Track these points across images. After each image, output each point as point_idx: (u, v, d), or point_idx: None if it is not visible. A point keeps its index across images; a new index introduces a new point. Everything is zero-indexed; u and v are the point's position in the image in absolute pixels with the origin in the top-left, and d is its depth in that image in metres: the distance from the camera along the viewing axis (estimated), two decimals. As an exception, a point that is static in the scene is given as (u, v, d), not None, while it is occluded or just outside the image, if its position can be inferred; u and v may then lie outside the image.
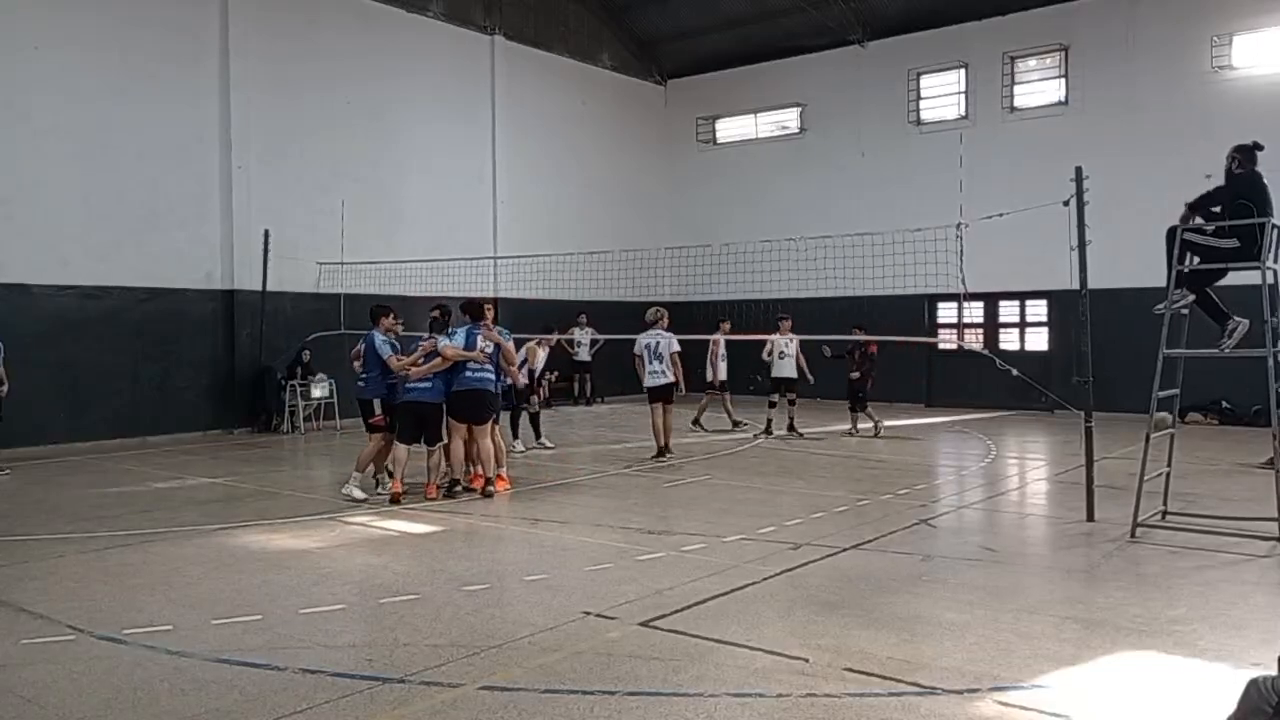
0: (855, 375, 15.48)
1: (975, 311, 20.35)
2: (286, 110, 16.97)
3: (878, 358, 15.70)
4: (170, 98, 15.53)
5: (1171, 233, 8.15)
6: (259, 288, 16.15)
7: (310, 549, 7.93)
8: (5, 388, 12.07)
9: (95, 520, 9.14)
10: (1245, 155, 7.97)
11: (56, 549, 7.93)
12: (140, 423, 14.94)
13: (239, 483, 11.16)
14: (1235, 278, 8.21)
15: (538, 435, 14.31)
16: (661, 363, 12.98)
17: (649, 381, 13.09)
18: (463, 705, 4.63)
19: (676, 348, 13.11)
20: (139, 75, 15.13)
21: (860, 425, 15.73)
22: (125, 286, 14.95)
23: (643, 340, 13.18)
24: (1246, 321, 8.04)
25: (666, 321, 13.29)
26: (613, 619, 5.90)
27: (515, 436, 13.91)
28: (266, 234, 16.14)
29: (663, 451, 12.99)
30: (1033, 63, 20.06)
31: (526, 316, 19.79)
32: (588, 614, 6.01)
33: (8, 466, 12.14)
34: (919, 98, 21.33)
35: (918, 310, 19.86)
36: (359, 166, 18.16)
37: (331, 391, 16.68)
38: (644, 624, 5.78)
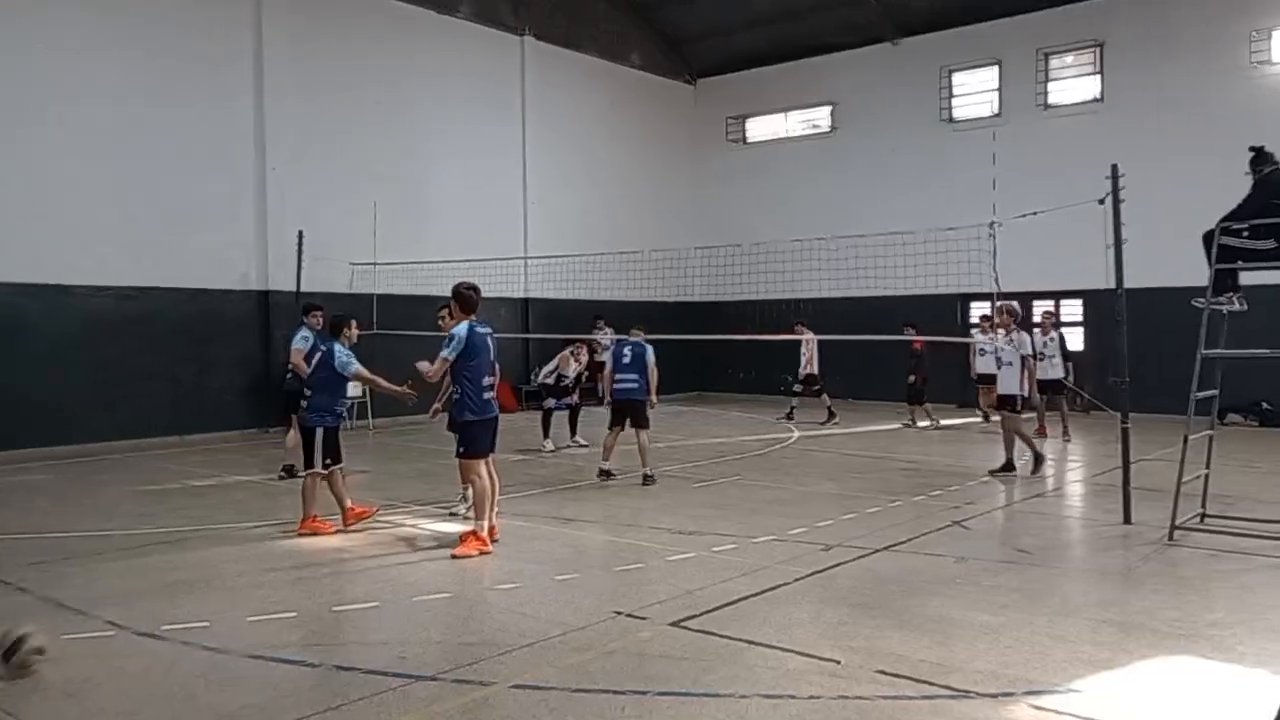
0: (912, 379, 16.48)
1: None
2: (319, 112, 17.13)
3: (925, 356, 16.52)
4: (206, 100, 15.73)
5: (1208, 237, 8.07)
6: (293, 288, 16.32)
7: (343, 547, 8.01)
8: None
9: (134, 518, 9.28)
10: (1264, 159, 7.97)
11: (96, 546, 8.07)
12: (178, 422, 15.14)
13: (274, 481, 11.28)
14: (1268, 276, 8.14)
15: (573, 434, 14.36)
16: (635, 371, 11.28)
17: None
18: (495, 704, 4.66)
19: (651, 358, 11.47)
20: (175, 79, 15.34)
21: (920, 422, 16.62)
22: (162, 287, 15.16)
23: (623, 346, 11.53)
24: (1245, 307, 8.09)
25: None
26: (644, 619, 5.91)
27: (545, 436, 13.96)
28: (300, 235, 16.30)
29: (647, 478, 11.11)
30: (1068, 59, 19.84)
31: (556, 316, 19.95)
32: (619, 614, 6.02)
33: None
34: (951, 95, 21.17)
35: (950, 310, 19.70)
36: (391, 167, 18.29)
37: (365, 391, 16.79)
38: (675, 624, 5.78)
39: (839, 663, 5.10)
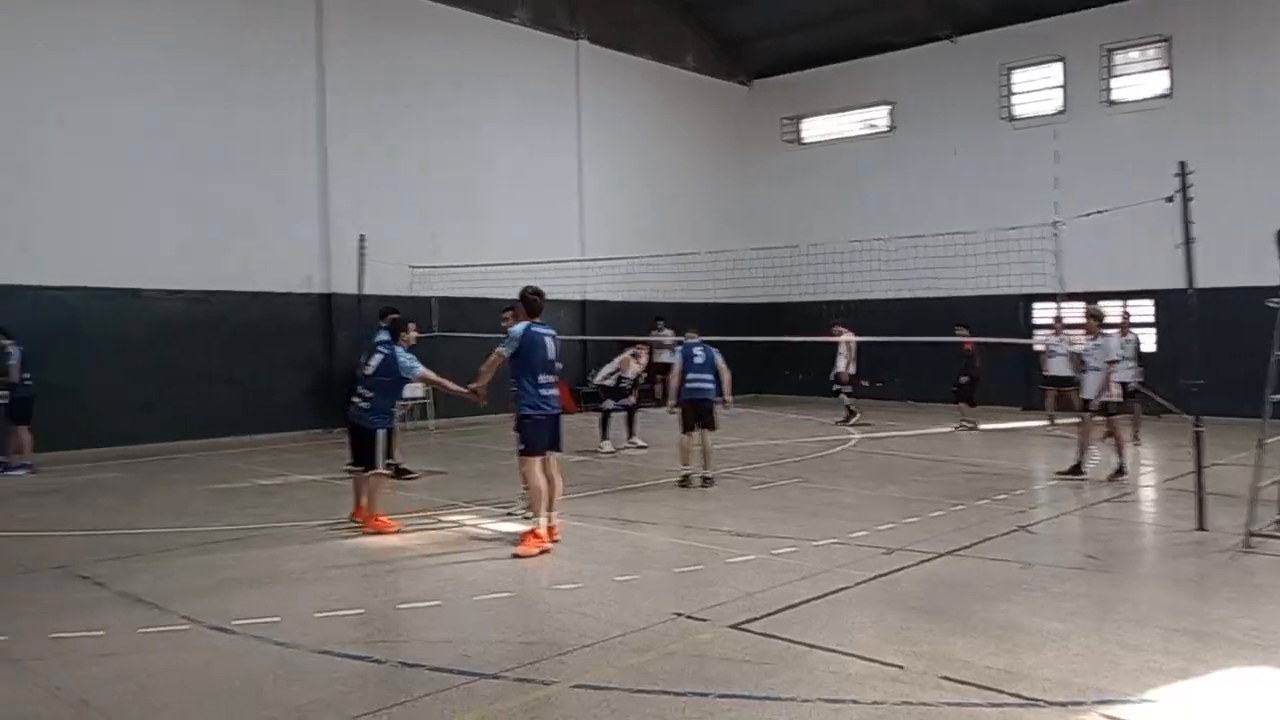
0: (964, 380, 16.48)
1: (1075, 313, 19.71)
2: (378, 117, 17.41)
3: (975, 356, 16.46)
4: (271, 110, 16.10)
5: None
6: (354, 291, 16.60)
7: (406, 546, 8.12)
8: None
9: (203, 515, 9.51)
10: None
11: (168, 542, 8.28)
12: (244, 422, 15.49)
13: (337, 480, 11.46)
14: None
15: (630, 435, 14.39)
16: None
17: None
18: (557, 703, 4.69)
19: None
20: (241, 87, 15.72)
21: (963, 421, 16.60)
22: (229, 291, 15.54)
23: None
24: None
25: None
26: (703, 621, 5.90)
27: (604, 437, 14.01)
28: (361, 239, 16.57)
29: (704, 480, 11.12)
30: (1133, 54, 19.38)
31: (613, 318, 20.01)
32: (678, 615, 6.02)
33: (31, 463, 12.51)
34: (1011, 93, 20.82)
35: (1013, 311, 19.35)
36: (449, 171, 18.53)
37: (427, 391, 17.02)
38: (735, 626, 5.76)
39: (902, 668, 5.04)
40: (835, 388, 18.17)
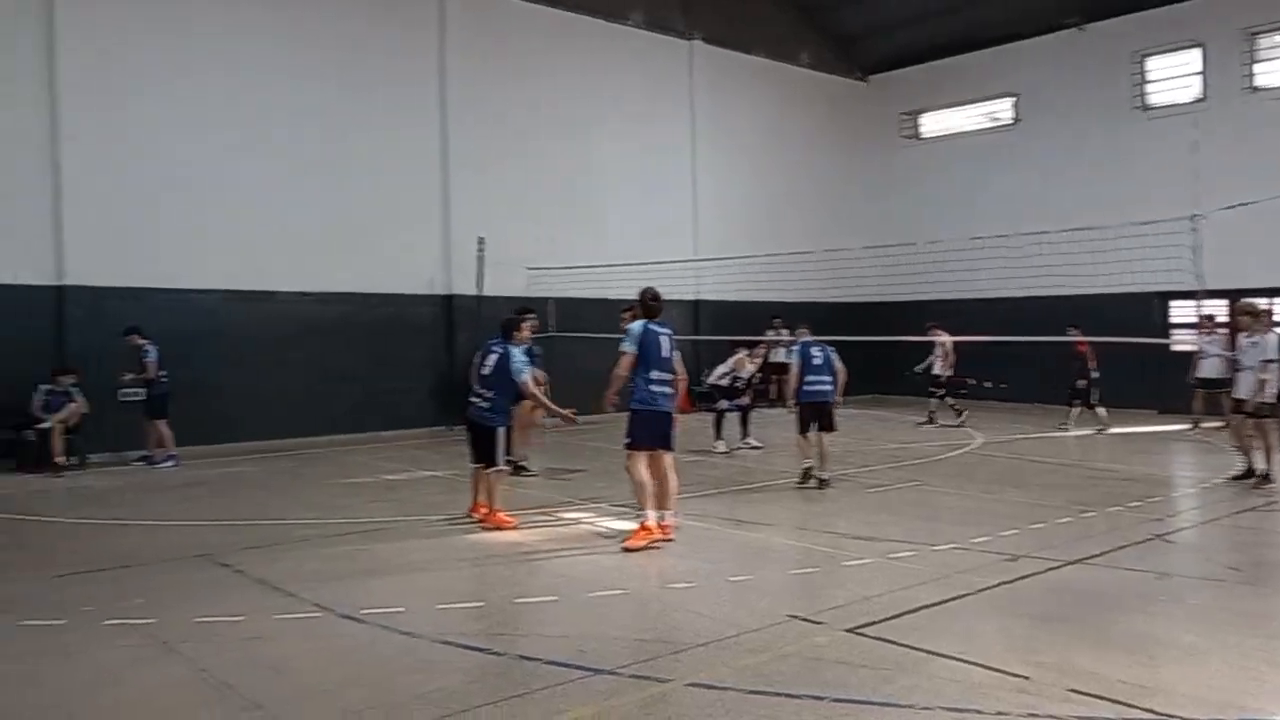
0: (1081, 382, 16.06)
1: (1219, 310, 18.70)
2: (497, 121, 17.82)
3: (1088, 358, 15.99)
4: (394, 119, 16.70)
5: None
6: (474, 292, 17.03)
7: (524, 541, 8.29)
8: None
9: (333, 509, 9.92)
10: None
11: (301, 533, 8.67)
12: (368, 419, 16.08)
13: (459, 476, 11.76)
14: None
15: (744, 435, 14.35)
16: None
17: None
18: (671, 700, 4.72)
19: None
20: (368, 103, 16.37)
21: (1068, 422, 16.20)
22: (357, 292, 16.16)
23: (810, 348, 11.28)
24: None
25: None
26: (819, 624, 5.84)
27: (718, 437, 14.01)
28: (480, 241, 16.99)
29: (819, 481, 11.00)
30: (1278, 38, 18.26)
31: (726, 319, 19.97)
32: (793, 617, 5.97)
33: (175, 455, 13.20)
34: (1144, 81, 19.88)
35: (1147, 309, 18.48)
36: (564, 172, 18.82)
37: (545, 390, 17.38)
38: (851, 630, 5.69)
39: (1028, 679, 4.88)
40: (930, 389, 17.74)
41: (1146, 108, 19.86)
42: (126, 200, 13.96)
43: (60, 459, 12.41)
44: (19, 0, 13.24)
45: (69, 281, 13.51)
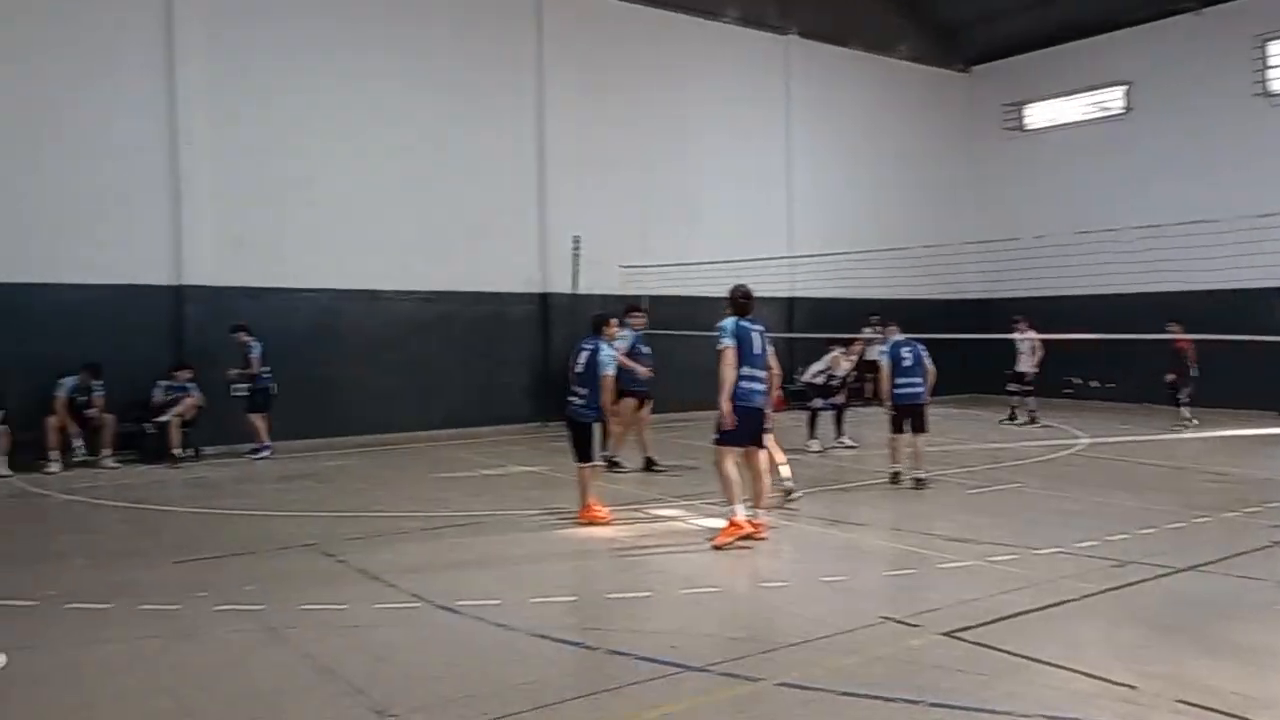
0: (1170, 378, 15.78)
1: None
2: (592, 121, 17.95)
3: (1187, 356, 15.64)
4: (494, 121, 16.98)
5: None
6: (569, 290, 17.22)
7: (617, 537, 8.36)
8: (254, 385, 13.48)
9: (432, 502, 10.17)
10: None
11: (402, 525, 8.93)
12: (467, 414, 16.40)
13: (554, 472, 11.93)
14: None
15: (839, 434, 14.18)
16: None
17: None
18: (763, 699, 4.70)
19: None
20: (469, 106, 16.68)
21: (1178, 424, 15.85)
22: (457, 291, 16.52)
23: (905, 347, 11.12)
24: None
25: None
26: (914, 626, 5.74)
27: (812, 436, 13.87)
28: (575, 239, 17.17)
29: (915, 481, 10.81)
30: None
31: (821, 316, 19.73)
32: (887, 619, 5.89)
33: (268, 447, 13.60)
34: (1266, 66, 18.88)
35: (1267, 306, 17.57)
36: (658, 170, 18.86)
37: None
38: (948, 634, 5.57)
39: (1134, 688, 4.71)
40: (1011, 387, 17.26)
41: (1268, 94, 18.86)
42: (242, 203, 14.54)
43: (177, 451, 13.03)
44: (139, 12, 13.90)
45: (186, 281, 14.14)
